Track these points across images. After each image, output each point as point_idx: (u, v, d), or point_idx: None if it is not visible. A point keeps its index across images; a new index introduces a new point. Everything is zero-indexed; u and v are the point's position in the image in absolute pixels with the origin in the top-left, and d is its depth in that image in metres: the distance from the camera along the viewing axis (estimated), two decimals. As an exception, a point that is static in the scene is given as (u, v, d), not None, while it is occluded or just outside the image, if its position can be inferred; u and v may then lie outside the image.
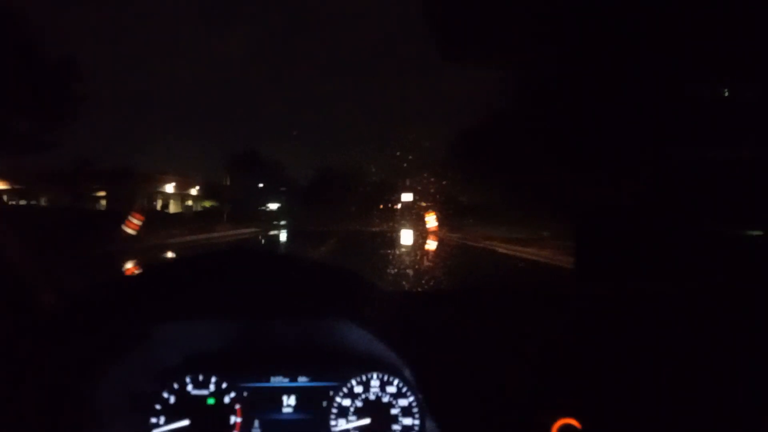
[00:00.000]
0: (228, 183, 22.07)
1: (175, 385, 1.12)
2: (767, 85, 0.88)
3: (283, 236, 15.63)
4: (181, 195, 22.90)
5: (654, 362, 0.97)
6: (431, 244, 11.63)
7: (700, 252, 0.96)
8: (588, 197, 1.07)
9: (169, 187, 22.05)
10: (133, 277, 0.91)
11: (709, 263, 0.96)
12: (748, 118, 0.90)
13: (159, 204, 21.77)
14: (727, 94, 0.90)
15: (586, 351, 1.00)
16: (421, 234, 12.73)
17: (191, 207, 22.60)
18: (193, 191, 23.41)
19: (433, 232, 12.08)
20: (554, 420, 0.95)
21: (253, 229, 15.18)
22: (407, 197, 19.80)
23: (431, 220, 11.74)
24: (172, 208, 22.50)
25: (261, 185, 21.68)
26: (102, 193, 19.05)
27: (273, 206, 21.09)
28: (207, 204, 23.47)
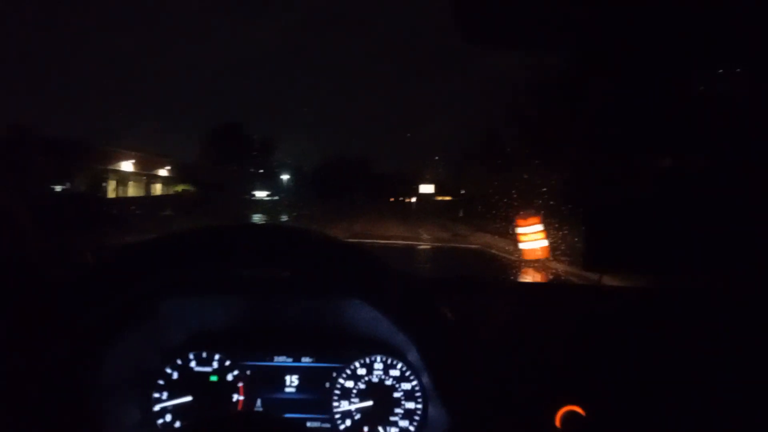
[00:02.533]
0: (202, 162, 17.50)
1: (179, 362, 1.17)
2: None
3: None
4: (147, 176, 18.13)
5: (659, 352, 1.02)
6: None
7: (708, 250, 0.96)
8: (603, 188, 1.04)
9: (127, 165, 17.24)
10: (140, 249, 0.84)
11: (718, 261, 0.97)
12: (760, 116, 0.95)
13: (112, 186, 17.09)
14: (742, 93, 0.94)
15: (591, 340, 1.06)
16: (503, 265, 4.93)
17: (149, 191, 17.90)
18: (163, 172, 18.65)
19: (546, 268, 4.35)
20: (559, 407, 0.96)
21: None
22: (427, 189, 14.75)
23: (534, 235, 4.39)
24: (132, 191, 17.78)
25: (242, 167, 17.09)
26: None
27: (261, 194, 16.41)
28: (180, 188, 18.92)
